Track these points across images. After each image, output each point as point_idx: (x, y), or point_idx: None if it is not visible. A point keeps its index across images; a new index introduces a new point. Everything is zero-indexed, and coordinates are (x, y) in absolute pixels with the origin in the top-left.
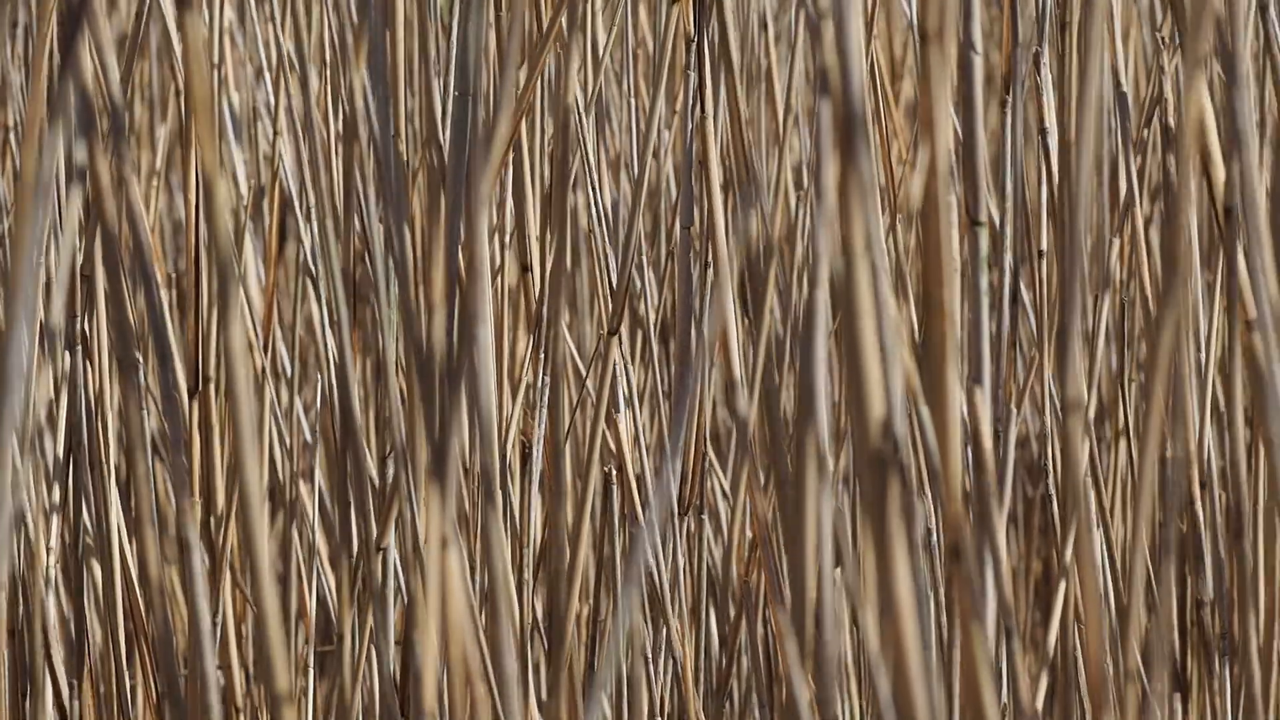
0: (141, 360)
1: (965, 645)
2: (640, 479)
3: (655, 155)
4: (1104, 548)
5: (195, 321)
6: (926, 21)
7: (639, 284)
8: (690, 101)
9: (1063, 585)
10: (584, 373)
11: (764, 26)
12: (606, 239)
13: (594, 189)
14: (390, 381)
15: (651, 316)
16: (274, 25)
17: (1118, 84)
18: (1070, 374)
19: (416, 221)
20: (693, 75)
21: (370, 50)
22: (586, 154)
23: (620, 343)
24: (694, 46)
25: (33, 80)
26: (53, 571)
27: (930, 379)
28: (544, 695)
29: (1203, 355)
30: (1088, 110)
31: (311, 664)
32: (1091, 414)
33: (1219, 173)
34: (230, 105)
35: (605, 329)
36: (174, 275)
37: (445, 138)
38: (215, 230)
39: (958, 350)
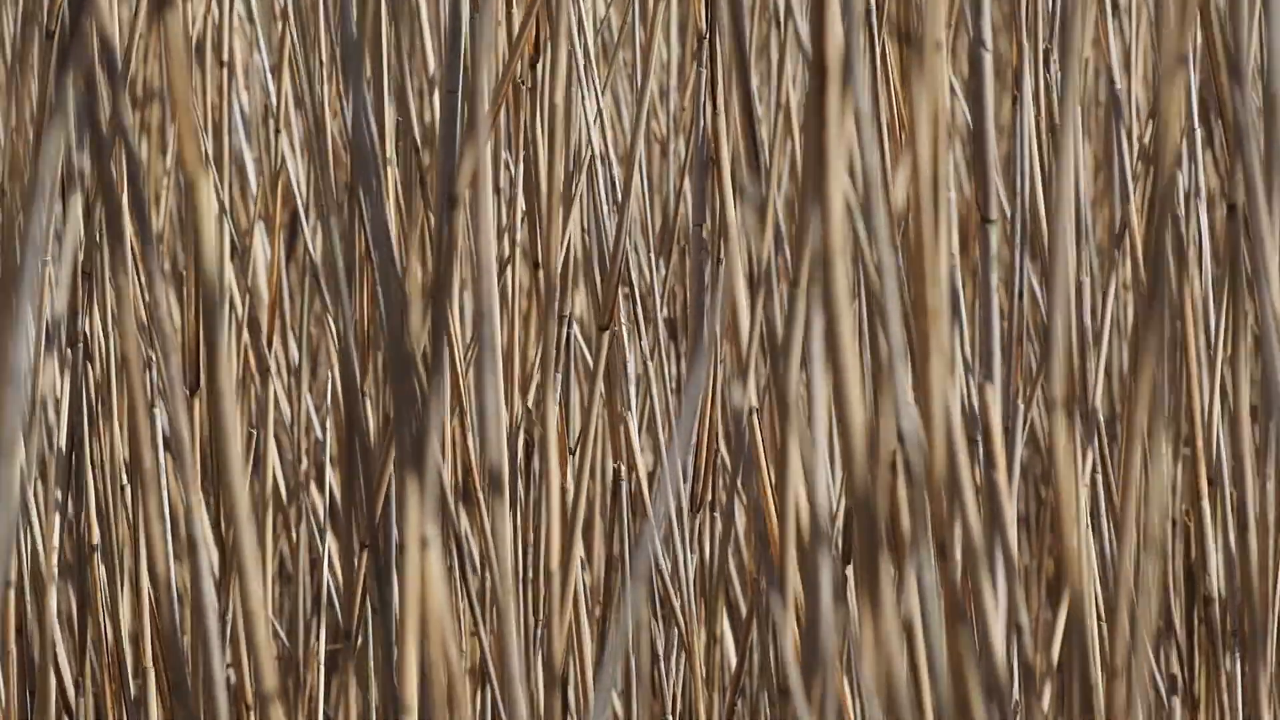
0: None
1: (951, 644)
2: (651, 476)
3: (659, 143)
4: (1113, 547)
5: (195, 319)
6: (908, 25)
7: (648, 278)
8: (702, 97)
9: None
10: (591, 369)
11: (776, 25)
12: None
13: (606, 184)
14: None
15: (661, 312)
16: (281, 24)
17: (1112, 82)
18: (1054, 372)
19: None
20: (705, 71)
21: (344, 45)
22: (595, 149)
23: (640, 338)
24: (705, 42)
25: (22, 74)
26: (57, 570)
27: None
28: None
29: (1211, 351)
30: (1070, 105)
31: (321, 661)
32: (1103, 414)
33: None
34: (239, 103)
35: (596, 325)
36: (185, 273)
37: (419, 135)
38: (199, 228)
39: (943, 349)
